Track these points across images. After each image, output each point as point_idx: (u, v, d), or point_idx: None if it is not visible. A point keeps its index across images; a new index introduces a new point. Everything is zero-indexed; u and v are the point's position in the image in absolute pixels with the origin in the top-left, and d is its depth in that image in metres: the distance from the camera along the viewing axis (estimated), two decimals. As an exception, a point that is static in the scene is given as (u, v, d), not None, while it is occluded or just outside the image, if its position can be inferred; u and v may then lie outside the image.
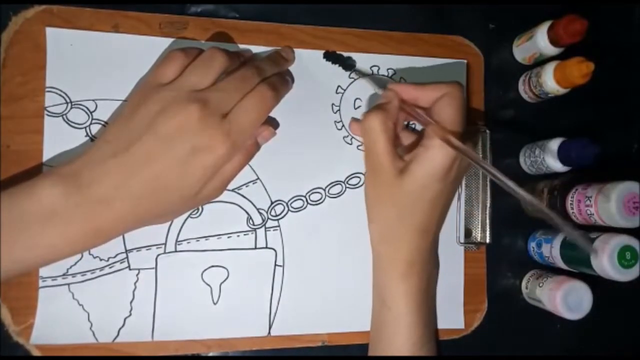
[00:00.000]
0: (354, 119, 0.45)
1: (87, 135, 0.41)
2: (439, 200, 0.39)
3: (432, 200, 0.38)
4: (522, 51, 0.48)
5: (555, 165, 0.45)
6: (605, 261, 0.41)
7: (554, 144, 0.45)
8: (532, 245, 0.49)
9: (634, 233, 0.42)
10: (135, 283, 0.41)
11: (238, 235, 0.43)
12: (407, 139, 0.42)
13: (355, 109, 0.46)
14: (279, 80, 0.41)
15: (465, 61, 0.48)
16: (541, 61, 0.47)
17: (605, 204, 0.41)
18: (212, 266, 0.42)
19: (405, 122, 0.45)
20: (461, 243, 0.47)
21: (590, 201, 0.42)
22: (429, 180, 0.37)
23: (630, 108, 0.52)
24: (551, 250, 0.46)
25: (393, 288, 0.40)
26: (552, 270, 0.48)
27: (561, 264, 0.46)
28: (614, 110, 0.51)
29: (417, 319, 0.40)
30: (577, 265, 0.44)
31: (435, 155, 0.37)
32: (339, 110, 0.46)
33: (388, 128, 0.38)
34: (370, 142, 0.39)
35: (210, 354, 0.43)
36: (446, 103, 0.38)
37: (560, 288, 0.44)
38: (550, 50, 0.45)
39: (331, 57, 0.45)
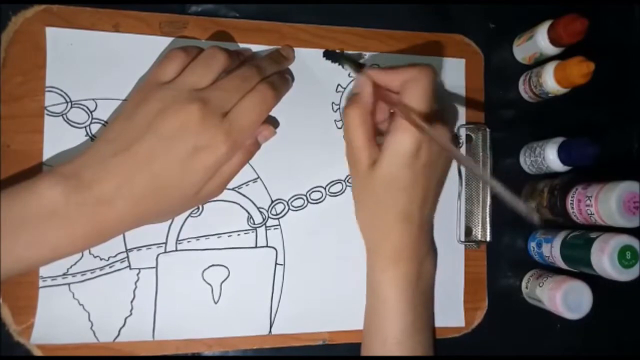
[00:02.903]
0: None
1: (87, 134, 0.41)
2: (415, 186, 0.39)
3: (406, 187, 0.38)
4: (522, 51, 0.48)
5: (555, 164, 0.45)
6: (605, 261, 0.41)
7: (554, 143, 0.45)
8: (532, 244, 0.49)
9: (634, 233, 0.42)
10: (135, 282, 0.41)
11: (238, 234, 0.43)
12: (382, 122, 0.42)
13: (356, 108, 0.46)
14: (279, 79, 0.41)
15: (464, 60, 0.48)
16: (541, 61, 0.47)
17: (605, 203, 0.41)
18: (213, 265, 0.42)
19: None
20: (461, 241, 0.47)
21: (590, 201, 0.42)
22: (396, 167, 0.37)
23: (631, 108, 0.52)
24: (551, 250, 0.46)
25: (380, 275, 0.40)
26: (552, 270, 0.48)
27: (561, 264, 0.46)
28: (614, 110, 0.51)
29: (406, 306, 0.40)
30: (577, 265, 0.44)
31: (399, 139, 0.37)
32: (339, 109, 0.46)
33: (365, 121, 0.39)
34: (349, 136, 0.40)
35: (211, 353, 0.43)
36: (413, 85, 0.38)
37: (560, 288, 0.44)
38: (551, 50, 0.45)
39: (331, 55, 0.45)
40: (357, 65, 0.44)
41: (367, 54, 0.46)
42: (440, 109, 0.40)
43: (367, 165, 0.39)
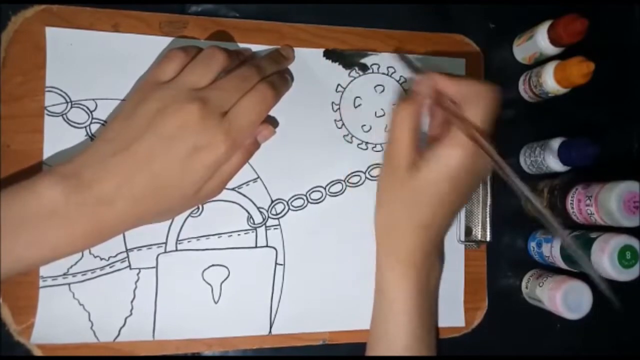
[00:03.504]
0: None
1: (87, 134, 0.41)
2: (447, 199, 0.38)
3: (440, 198, 0.38)
4: (522, 51, 0.48)
5: (555, 164, 0.45)
6: (605, 261, 0.41)
7: (554, 143, 0.45)
8: (532, 244, 0.49)
9: (635, 233, 0.42)
10: (135, 282, 0.41)
11: (239, 234, 0.43)
12: (433, 127, 0.41)
13: (356, 107, 0.46)
14: (278, 79, 0.41)
15: (464, 60, 0.48)
16: (541, 61, 0.47)
17: (605, 203, 0.41)
18: (213, 265, 0.42)
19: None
20: (461, 241, 0.47)
21: (590, 201, 0.42)
22: (438, 178, 0.37)
23: (631, 107, 0.52)
24: (551, 250, 0.46)
25: (391, 277, 0.40)
26: (552, 270, 0.48)
27: (561, 264, 0.46)
28: (614, 110, 0.51)
29: (414, 311, 0.40)
30: (577, 265, 0.44)
31: (452, 152, 0.36)
32: (339, 108, 0.46)
33: (415, 121, 0.38)
34: (395, 133, 0.39)
35: (211, 353, 0.43)
36: (478, 100, 0.37)
37: (560, 288, 0.44)
38: (551, 49, 0.45)
39: (331, 55, 0.45)
40: (415, 66, 0.43)
41: (368, 53, 0.46)
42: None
43: (405, 167, 0.38)
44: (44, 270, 0.40)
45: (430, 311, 0.42)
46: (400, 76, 0.47)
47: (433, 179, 0.37)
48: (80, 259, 0.40)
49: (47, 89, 0.40)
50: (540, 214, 0.35)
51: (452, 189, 0.37)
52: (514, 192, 0.35)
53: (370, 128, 0.46)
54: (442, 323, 0.46)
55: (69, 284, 0.40)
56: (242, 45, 0.44)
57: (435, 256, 0.42)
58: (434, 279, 0.43)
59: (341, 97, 0.46)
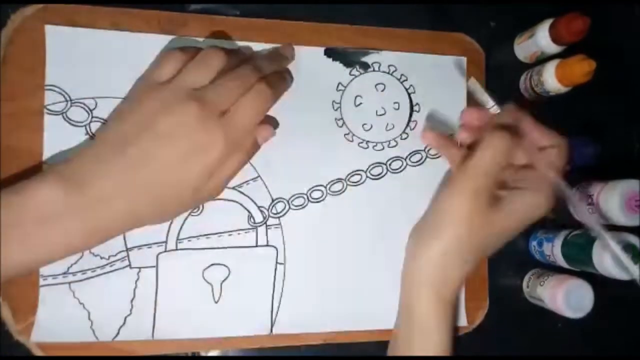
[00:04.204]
0: (429, 129, 0.44)
1: (87, 133, 0.41)
2: (509, 238, 0.38)
3: (508, 239, 0.37)
4: (523, 49, 0.48)
5: (556, 163, 0.45)
6: (607, 260, 0.41)
7: (556, 142, 0.45)
8: (533, 244, 0.49)
9: (636, 231, 0.42)
10: (136, 281, 0.41)
11: (239, 233, 0.43)
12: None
13: (356, 106, 0.46)
14: (277, 78, 0.41)
15: (465, 58, 0.48)
16: (542, 59, 0.47)
17: (607, 202, 0.41)
18: (213, 264, 0.42)
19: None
20: (462, 241, 0.47)
21: (592, 199, 0.42)
22: (522, 221, 0.36)
23: (632, 106, 0.52)
24: (552, 249, 0.46)
25: (432, 312, 0.37)
26: (553, 269, 0.48)
27: (562, 263, 0.46)
28: (615, 109, 0.51)
29: (448, 336, 0.37)
30: (578, 264, 0.44)
31: (542, 204, 0.36)
32: (339, 107, 0.45)
33: (508, 153, 0.36)
34: (488, 158, 0.36)
35: (211, 353, 0.43)
36: (560, 154, 0.37)
37: (561, 287, 0.44)
38: (552, 48, 0.45)
39: (332, 53, 0.45)
40: (494, 97, 0.41)
41: (369, 52, 0.46)
42: None
43: (488, 201, 0.36)
44: (44, 269, 0.39)
45: (455, 326, 0.40)
46: (402, 75, 0.47)
47: (519, 221, 0.36)
48: (81, 258, 0.40)
49: (46, 88, 0.40)
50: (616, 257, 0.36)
51: (520, 231, 0.37)
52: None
53: (371, 127, 0.46)
54: (443, 322, 0.46)
55: (69, 283, 0.40)
56: (242, 43, 0.43)
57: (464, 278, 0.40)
58: (458, 295, 0.42)
59: (342, 95, 0.46)
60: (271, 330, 0.43)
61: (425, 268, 0.37)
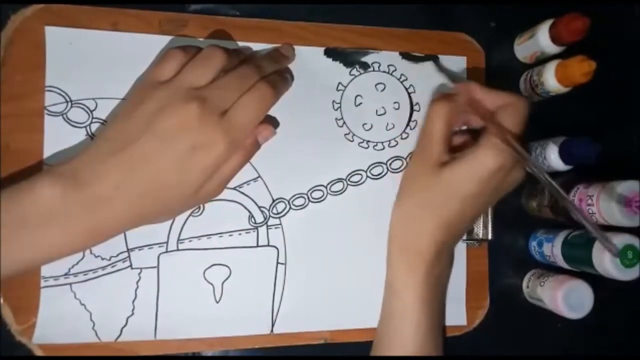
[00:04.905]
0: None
1: (87, 134, 0.41)
2: (472, 202, 0.38)
3: (464, 199, 0.38)
4: (523, 50, 0.48)
5: (556, 164, 0.45)
6: (607, 260, 0.41)
7: (556, 142, 0.45)
8: (533, 244, 0.49)
9: (636, 232, 0.42)
10: (137, 282, 0.41)
11: (240, 234, 0.43)
12: (457, 140, 0.43)
13: (356, 105, 0.46)
14: (278, 78, 0.40)
15: (465, 58, 0.48)
16: (542, 60, 0.47)
17: (607, 202, 0.41)
18: (214, 265, 0.42)
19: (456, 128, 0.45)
20: (463, 240, 0.47)
21: (592, 200, 0.42)
22: (468, 179, 0.37)
23: (632, 107, 0.52)
24: (552, 249, 0.46)
25: (403, 277, 0.40)
26: (553, 269, 0.48)
27: (562, 263, 0.46)
28: (615, 109, 0.51)
29: (425, 309, 0.40)
30: (578, 264, 0.44)
31: (486, 155, 0.36)
32: (339, 107, 0.45)
33: (450, 119, 0.39)
34: (430, 125, 0.39)
35: (213, 353, 0.43)
36: (511, 112, 0.38)
37: (561, 287, 0.44)
38: (552, 48, 0.45)
39: (332, 53, 0.45)
40: (452, 74, 0.46)
41: (369, 51, 0.46)
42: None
43: (435, 162, 0.38)
44: (45, 270, 0.39)
45: (439, 310, 0.42)
46: (402, 74, 0.47)
47: (465, 177, 0.37)
48: (82, 258, 0.40)
49: (47, 89, 0.40)
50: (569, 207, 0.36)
51: (481, 191, 0.37)
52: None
53: (372, 126, 0.46)
54: (444, 322, 0.46)
55: (70, 284, 0.40)
56: (242, 43, 0.43)
57: (448, 256, 0.42)
58: (444, 278, 0.43)
59: (342, 95, 0.46)
60: (272, 330, 0.43)
61: (392, 230, 0.42)
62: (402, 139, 0.47)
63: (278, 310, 0.43)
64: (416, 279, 0.39)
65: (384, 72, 0.46)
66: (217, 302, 0.42)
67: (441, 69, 0.47)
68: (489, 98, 0.40)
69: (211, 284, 0.42)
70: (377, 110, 0.46)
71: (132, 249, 0.41)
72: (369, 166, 0.46)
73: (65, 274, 0.40)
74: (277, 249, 0.44)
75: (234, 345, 0.43)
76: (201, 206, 0.42)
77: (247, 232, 0.43)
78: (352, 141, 0.46)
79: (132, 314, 0.41)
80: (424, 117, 0.41)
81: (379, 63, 0.46)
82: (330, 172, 0.45)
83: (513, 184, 0.40)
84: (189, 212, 0.42)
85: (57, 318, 0.39)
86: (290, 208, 0.44)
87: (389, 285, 0.42)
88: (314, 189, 0.45)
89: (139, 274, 0.41)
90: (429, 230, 0.39)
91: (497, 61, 0.49)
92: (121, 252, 0.41)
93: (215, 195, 0.39)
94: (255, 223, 0.43)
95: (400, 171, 0.46)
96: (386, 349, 0.41)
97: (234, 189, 0.43)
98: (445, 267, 0.42)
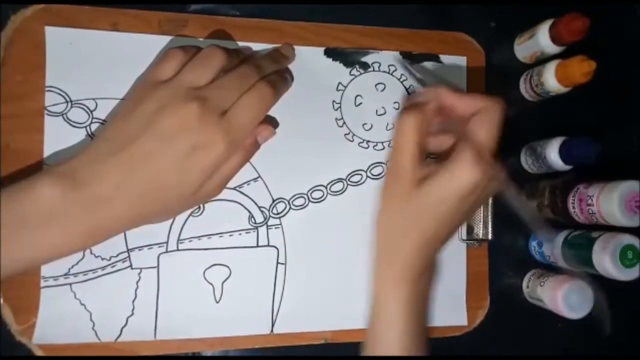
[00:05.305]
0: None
1: (87, 134, 0.41)
2: (451, 218, 0.37)
3: (446, 215, 0.36)
4: (523, 50, 0.48)
5: (556, 164, 0.45)
6: (606, 260, 0.41)
7: (556, 142, 0.45)
8: (533, 244, 0.49)
9: (636, 232, 0.42)
10: (137, 282, 0.41)
11: (240, 234, 0.43)
12: (439, 143, 0.40)
13: (356, 106, 0.46)
14: (278, 78, 0.40)
15: (465, 58, 0.48)
16: (542, 60, 0.47)
17: (607, 203, 0.41)
18: (214, 265, 0.42)
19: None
20: (463, 240, 0.47)
21: (592, 200, 0.42)
22: (447, 196, 0.35)
23: (632, 107, 0.52)
24: (552, 249, 0.46)
25: (386, 291, 0.39)
26: (553, 269, 0.48)
27: (562, 264, 0.46)
28: (615, 109, 0.51)
29: (409, 320, 0.38)
30: (578, 264, 0.44)
31: (462, 173, 0.34)
32: (339, 107, 0.45)
33: (421, 132, 0.36)
34: (400, 141, 0.37)
35: (213, 353, 0.43)
36: (485, 118, 0.36)
37: (561, 287, 0.44)
38: (552, 48, 0.45)
39: (332, 53, 0.45)
40: (417, 77, 0.43)
41: (369, 51, 0.46)
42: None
43: (411, 180, 0.36)
44: (45, 271, 0.39)
45: (422, 318, 0.40)
46: (402, 74, 0.47)
47: (442, 196, 0.35)
48: (82, 259, 0.40)
49: (46, 89, 0.40)
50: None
51: (459, 207, 0.36)
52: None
53: (372, 126, 0.46)
54: (444, 322, 0.46)
55: (70, 284, 0.40)
56: (242, 43, 0.43)
57: (430, 270, 0.41)
58: (428, 290, 0.42)
59: (342, 95, 0.46)
60: (272, 330, 0.43)
61: (378, 244, 0.40)
62: (402, 139, 0.47)
63: (278, 310, 0.43)
64: (401, 295, 0.38)
65: (384, 72, 0.46)
66: (217, 302, 0.42)
67: (407, 68, 0.45)
68: (461, 104, 0.37)
69: (211, 284, 0.42)
70: (377, 110, 0.46)
71: (132, 249, 0.41)
72: (369, 166, 0.46)
73: (65, 274, 0.40)
74: (277, 249, 0.44)
75: (234, 345, 0.43)
76: (201, 206, 0.42)
77: (247, 232, 0.43)
78: (352, 141, 0.46)
79: (132, 314, 0.41)
80: (393, 130, 0.38)
81: (379, 63, 0.46)
82: (330, 172, 0.45)
83: (492, 193, 0.39)
84: (188, 212, 0.42)
85: (57, 318, 0.39)
86: (290, 208, 0.44)
87: (374, 297, 0.40)
88: (314, 189, 0.45)
89: (139, 274, 0.41)
90: (409, 249, 0.38)
91: (497, 61, 0.49)
92: (121, 252, 0.41)
93: (215, 195, 0.39)
94: (255, 223, 0.43)
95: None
96: (372, 351, 0.41)
97: (234, 189, 0.43)
98: (428, 280, 0.41)
